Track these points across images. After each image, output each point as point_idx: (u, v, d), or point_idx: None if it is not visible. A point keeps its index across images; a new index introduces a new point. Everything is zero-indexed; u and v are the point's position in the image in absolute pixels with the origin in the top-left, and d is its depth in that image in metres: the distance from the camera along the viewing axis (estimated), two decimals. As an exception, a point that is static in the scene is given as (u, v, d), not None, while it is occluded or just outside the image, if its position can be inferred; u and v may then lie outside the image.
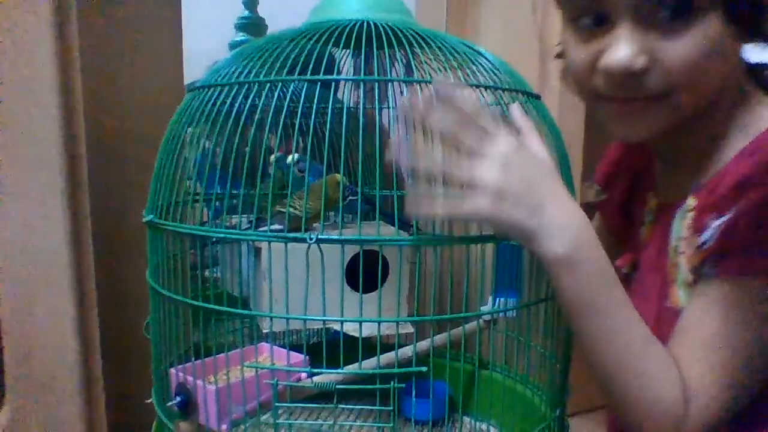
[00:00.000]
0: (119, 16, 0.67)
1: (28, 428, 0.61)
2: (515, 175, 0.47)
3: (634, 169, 0.73)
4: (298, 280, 0.55)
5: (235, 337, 0.71)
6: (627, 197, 0.74)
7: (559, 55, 0.63)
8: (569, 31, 0.57)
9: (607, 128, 0.58)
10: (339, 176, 0.65)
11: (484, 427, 0.81)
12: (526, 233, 0.48)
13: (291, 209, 0.59)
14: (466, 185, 0.47)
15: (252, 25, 1.16)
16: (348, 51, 0.70)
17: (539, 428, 0.66)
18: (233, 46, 1.16)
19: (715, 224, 0.51)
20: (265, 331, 0.68)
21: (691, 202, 0.57)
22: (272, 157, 0.67)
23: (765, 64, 0.61)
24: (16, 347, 0.59)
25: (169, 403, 0.54)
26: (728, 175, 0.52)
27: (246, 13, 1.15)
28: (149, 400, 0.70)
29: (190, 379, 0.53)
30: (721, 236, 0.50)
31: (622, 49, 0.51)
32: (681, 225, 0.59)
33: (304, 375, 0.56)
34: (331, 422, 0.71)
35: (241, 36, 1.16)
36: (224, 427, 0.51)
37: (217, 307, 0.55)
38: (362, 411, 0.80)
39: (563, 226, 0.48)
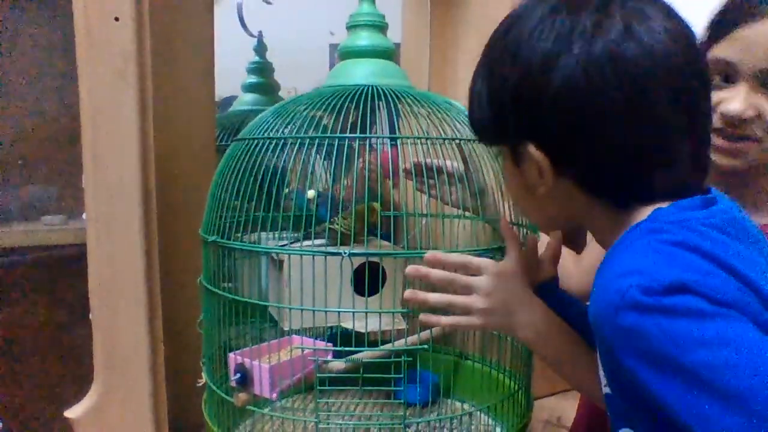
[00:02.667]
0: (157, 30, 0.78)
1: (112, 405, 0.77)
2: (495, 299, 0.66)
3: None
4: (317, 285, 0.74)
5: (263, 334, 0.87)
6: None
7: None
8: None
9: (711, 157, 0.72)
10: (376, 204, 0.83)
11: (465, 406, 0.96)
12: (506, 330, 0.69)
13: (336, 226, 0.77)
14: (463, 312, 0.66)
15: (261, 69, 1.34)
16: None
17: (505, 397, 0.85)
18: (246, 88, 1.34)
19: None
20: (285, 328, 0.85)
21: None
22: (310, 193, 0.84)
23: None
24: (104, 340, 0.76)
25: (232, 379, 0.72)
26: None
27: (256, 58, 1.33)
28: (200, 382, 0.87)
29: (247, 360, 0.71)
30: None
31: (738, 101, 0.70)
32: None
33: (330, 356, 0.74)
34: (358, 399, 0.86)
35: (252, 78, 1.34)
36: (274, 395, 0.69)
37: (260, 302, 0.73)
38: (365, 394, 0.97)
39: (529, 321, 0.67)
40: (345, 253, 0.69)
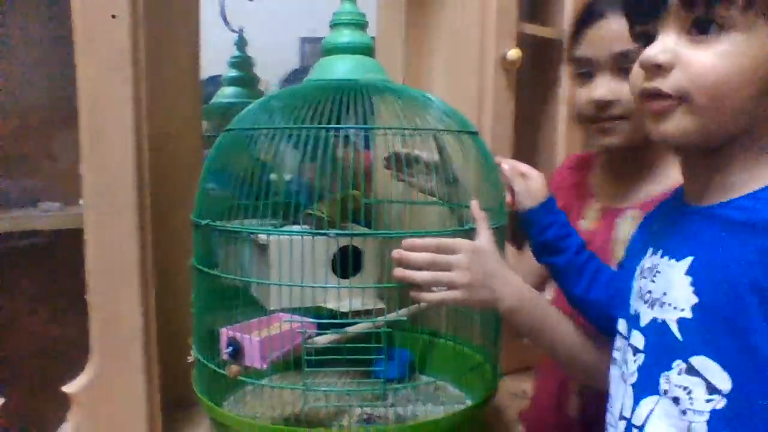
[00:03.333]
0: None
1: (107, 381, 0.81)
2: (475, 273, 0.72)
3: (572, 185, 1.00)
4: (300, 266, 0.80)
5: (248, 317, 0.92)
6: (570, 202, 0.99)
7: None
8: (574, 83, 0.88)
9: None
10: (358, 193, 0.89)
11: (436, 381, 1.03)
12: (486, 302, 0.75)
13: (320, 213, 0.83)
14: (448, 287, 0.72)
15: (242, 64, 1.38)
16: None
17: (471, 368, 0.92)
18: (227, 81, 1.38)
19: None
20: (270, 308, 0.91)
21: (636, 212, 0.84)
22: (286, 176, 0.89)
23: None
24: (100, 318, 0.80)
25: (224, 352, 0.77)
26: None
27: (237, 52, 1.37)
28: (189, 359, 0.92)
29: (239, 334, 0.76)
30: None
31: (599, 88, 0.82)
32: (628, 226, 0.84)
33: (315, 331, 0.80)
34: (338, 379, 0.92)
35: (233, 72, 1.38)
36: (265, 365, 0.75)
37: (251, 280, 0.79)
38: (344, 373, 1.03)
39: (507, 292, 0.74)
40: (331, 233, 0.75)
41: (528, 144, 1.31)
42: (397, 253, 0.72)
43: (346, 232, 0.81)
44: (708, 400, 0.52)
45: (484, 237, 0.77)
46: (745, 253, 0.52)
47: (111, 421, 0.81)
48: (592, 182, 0.97)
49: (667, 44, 0.54)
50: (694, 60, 0.53)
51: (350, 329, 0.87)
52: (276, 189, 0.98)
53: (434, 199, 0.96)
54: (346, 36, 0.91)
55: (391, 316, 0.90)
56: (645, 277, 0.62)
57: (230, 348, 0.75)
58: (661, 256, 0.60)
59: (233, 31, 1.34)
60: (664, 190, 0.79)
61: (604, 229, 0.89)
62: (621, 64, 0.81)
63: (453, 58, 1.21)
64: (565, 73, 0.92)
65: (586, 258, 0.78)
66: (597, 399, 0.77)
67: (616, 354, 0.67)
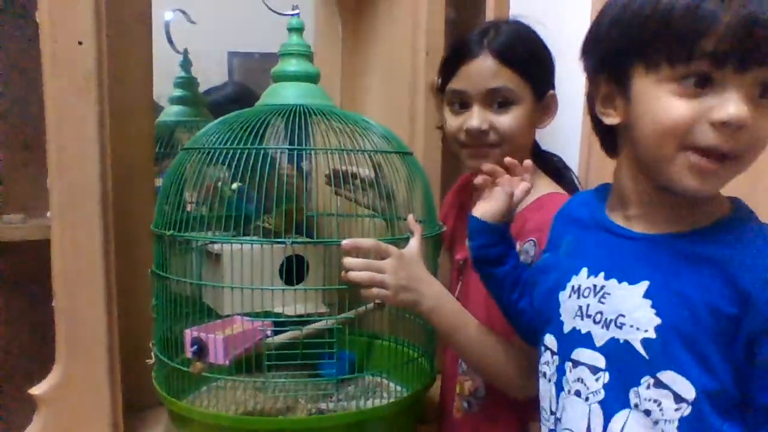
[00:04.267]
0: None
1: (73, 383, 0.84)
2: (400, 276, 0.84)
3: (460, 205, 1.12)
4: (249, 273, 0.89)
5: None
6: (455, 223, 1.11)
7: (440, 127, 1.04)
8: (448, 111, 0.97)
9: (465, 163, 0.97)
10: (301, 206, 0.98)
11: (378, 379, 1.12)
12: (408, 303, 0.86)
13: (267, 225, 0.92)
14: (380, 287, 0.83)
15: (187, 84, 1.45)
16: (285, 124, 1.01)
17: (406, 362, 1.02)
18: (173, 100, 1.43)
19: (532, 250, 0.86)
20: (224, 313, 0.98)
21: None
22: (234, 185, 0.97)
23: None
24: (66, 323, 0.84)
25: (189, 350, 0.84)
26: (530, 218, 0.89)
27: (182, 73, 1.43)
28: (150, 362, 0.98)
29: (203, 333, 0.84)
30: (537, 257, 0.84)
31: (475, 119, 0.91)
32: None
33: (269, 332, 0.89)
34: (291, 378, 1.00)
35: (178, 92, 1.44)
36: (227, 361, 0.83)
37: (213, 284, 0.87)
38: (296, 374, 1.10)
39: (427, 294, 0.86)
40: (288, 241, 0.85)
41: (456, 163, 1.44)
42: (344, 259, 0.83)
43: (299, 240, 0.90)
44: (676, 409, 0.58)
45: (413, 245, 0.89)
46: (702, 281, 0.58)
47: (76, 421, 0.86)
48: (474, 203, 1.09)
49: (743, 106, 0.54)
50: (760, 124, 0.55)
51: (305, 328, 0.96)
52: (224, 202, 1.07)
53: (370, 212, 1.07)
54: (293, 65, 1.01)
55: (341, 316, 1.00)
56: (586, 297, 0.65)
57: (195, 347, 0.82)
58: (606, 279, 0.64)
59: (178, 52, 1.40)
60: (527, 206, 0.91)
61: None
62: (492, 98, 0.92)
63: (387, 84, 1.33)
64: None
65: (521, 271, 0.82)
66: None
67: (544, 368, 0.71)
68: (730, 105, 0.53)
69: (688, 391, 0.57)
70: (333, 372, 1.02)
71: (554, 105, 0.97)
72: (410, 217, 0.95)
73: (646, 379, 0.59)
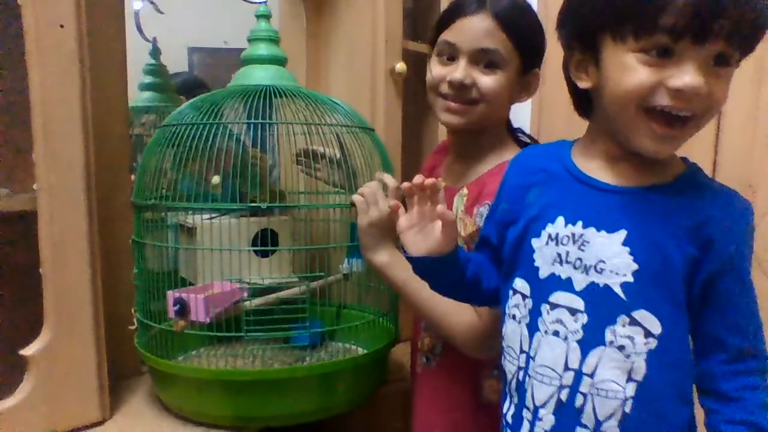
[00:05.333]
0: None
1: (61, 344, 0.89)
2: (378, 224, 0.95)
3: (430, 167, 1.17)
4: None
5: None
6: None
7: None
8: (435, 61, 0.99)
9: (438, 116, 1.00)
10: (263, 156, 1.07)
11: (347, 345, 1.20)
12: (368, 247, 0.97)
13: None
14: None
15: (156, 71, 1.50)
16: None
17: (367, 321, 1.11)
18: (142, 86, 1.49)
19: (482, 212, 0.92)
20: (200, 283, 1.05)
21: (465, 190, 1.00)
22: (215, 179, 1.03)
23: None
24: (53, 288, 0.88)
25: (171, 310, 0.91)
26: (489, 183, 0.94)
27: (152, 61, 1.49)
28: (132, 327, 1.04)
29: (185, 294, 0.91)
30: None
31: (460, 72, 0.93)
32: (460, 203, 0.98)
33: (246, 295, 0.97)
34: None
35: (148, 79, 1.49)
36: (208, 319, 0.90)
37: (195, 247, 0.95)
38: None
39: (386, 251, 0.96)
40: (263, 205, 0.93)
41: (414, 142, 1.54)
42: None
43: (278, 204, 1.01)
44: (645, 343, 0.66)
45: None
46: (673, 229, 0.65)
47: (65, 381, 0.92)
48: (445, 164, 1.12)
49: (698, 77, 0.61)
50: (714, 90, 0.62)
51: (279, 294, 1.04)
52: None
53: (336, 189, 1.15)
54: (262, 49, 1.09)
55: (317, 284, 1.08)
56: (564, 244, 0.70)
57: (177, 306, 0.90)
58: (585, 227, 0.69)
59: (147, 40, 1.46)
60: (489, 170, 0.97)
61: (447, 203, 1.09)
62: (480, 57, 0.94)
63: (349, 70, 1.42)
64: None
65: (478, 262, 0.82)
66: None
67: (513, 311, 0.75)
68: (686, 75, 0.60)
69: (656, 327, 0.66)
70: (306, 339, 1.11)
71: (535, 83, 1.00)
72: (388, 179, 1.02)
73: (622, 319, 0.67)
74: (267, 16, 1.09)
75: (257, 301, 1.00)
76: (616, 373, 0.67)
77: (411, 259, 0.76)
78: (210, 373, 0.96)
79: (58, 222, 0.89)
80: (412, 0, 1.52)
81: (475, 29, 0.94)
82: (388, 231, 0.96)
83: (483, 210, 0.93)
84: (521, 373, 0.75)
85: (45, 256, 0.89)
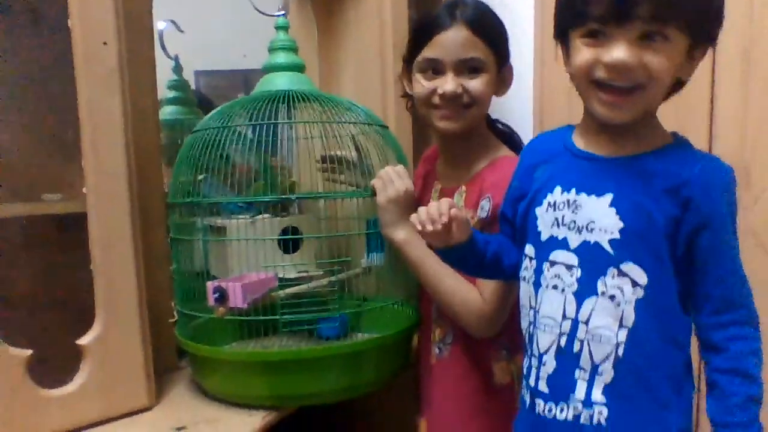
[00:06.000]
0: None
1: (112, 334, 0.97)
2: (398, 201, 1.04)
3: (425, 176, 1.26)
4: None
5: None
6: (421, 190, 1.23)
7: (404, 95, 1.18)
8: (420, 77, 1.08)
9: (435, 125, 1.08)
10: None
11: (371, 335, 1.20)
12: (387, 223, 1.05)
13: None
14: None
15: (179, 86, 1.59)
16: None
17: (388, 303, 1.18)
18: (167, 101, 1.57)
19: (487, 205, 1.00)
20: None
21: (464, 188, 1.10)
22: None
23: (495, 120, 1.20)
24: (103, 283, 0.96)
25: (211, 297, 0.99)
26: (487, 178, 1.04)
27: (175, 76, 1.58)
28: (173, 320, 1.12)
29: (223, 283, 0.99)
30: (490, 212, 1.00)
31: (450, 84, 1.02)
32: (459, 200, 1.09)
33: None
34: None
35: (172, 94, 1.59)
36: (246, 305, 0.98)
37: (225, 238, 1.03)
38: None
39: (405, 228, 1.02)
40: (293, 197, 1.01)
41: (423, 138, 1.61)
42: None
43: (303, 194, 1.12)
44: (633, 292, 0.75)
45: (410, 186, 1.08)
46: (654, 191, 0.74)
47: (116, 369, 1.00)
48: (438, 169, 1.21)
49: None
50: (648, 60, 0.72)
51: (309, 284, 1.11)
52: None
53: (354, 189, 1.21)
54: (281, 57, 1.17)
55: (341, 276, 1.14)
56: (561, 210, 0.80)
57: (217, 294, 0.98)
58: (578, 193, 0.79)
59: (170, 58, 1.55)
60: (484, 167, 1.07)
61: None
62: (464, 66, 1.03)
63: (359, 76, 1.51)
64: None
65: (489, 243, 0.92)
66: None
67: (524, 273, 0.86)
68: (614, 51, 0.72)
69: (642, 278, 0.75)
70: (334, 330, 1.18)
71: (510, 76, 1.11)
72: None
73: (611, 270, 0.76)
74: (285, 27, 1.18)
75: (290, 290, 1.07)
76: (608, 321, 0.76)
77: (436, 252, 0.88)
78: (247, 355, 1.04)
79: (105, 223, 0.98)
80: (415, 10, 1.61)
81: (454, 42, 1.02)
82: (405, 209, 1.04)
83: (484, 203, 1.02)
84: (531, 327, 0.84)
85: (95, 255, 0.97)
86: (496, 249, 0.91)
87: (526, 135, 1.27)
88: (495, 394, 1.08)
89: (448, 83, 1.03)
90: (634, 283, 0.75)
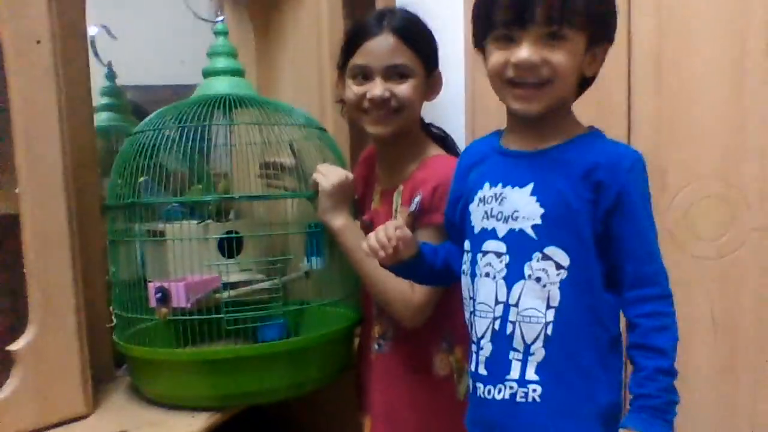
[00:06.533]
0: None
1: (46, 339, 0.94)
2: (340, 189, 1.07)
3: (365, 177, 1.28)
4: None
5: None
6: (363, 190, 1.26)
7: (339, 101, 1.20)
8: (351, 82, 1.11)
9: (366, 129, 1.12)
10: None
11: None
12: (325, 211, 1.08)
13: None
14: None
15: (113, 92, 1.57)
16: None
17: (330, 301, 1.20)
18: (100, 108, 1.54)
19: (416, 201, 1.03)
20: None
21: (401, 187, 1.13)
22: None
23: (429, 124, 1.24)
24: (38, 286, 0.93)
25: (153, 298, 0.97)
26: (418, 176, 1.08)
27: (108, 83, 1.55)
28: (110, 325, 1.10)
29: (166, 282, 0.98)
30: (419, 207, 1.03)
31: (378, 89, 1.06)
32: (397, 200, 1.12)
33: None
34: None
35: (105, 100, 1.55)
36: (189, 305, 0.97)
37: (165, 238, 1.02)
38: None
39: (342, 216, 1.08)
40: (236, 195, 1.02)
41: (359, 141, 1.64)
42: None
43: (248, 195, 1.12)
44: (557, 274, 0.80)
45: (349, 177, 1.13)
46: (570, 178, 0.80)
47: (51, 375, 0.97)
48: (377, 172, 1.24)
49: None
50: (554, 58, 0.80)
51: (251, 287, 1.12)
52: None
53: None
54: (221, 62, 1.19)
55: (266, 284, 1.15)
56: (489, 203, 0.86)
57: (159, 294, 0.97)
58: (503, 187, 0.85)
59: (103, 64, 1.52)
60: (417, 167, 1.11)
61: (386, 206, 1.17)
62: (391, 72, 1.07)
63: (297, 83, 1.54)
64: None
65: (445, 252, 0.98)
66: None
67: (464, 266, 0.91)
68: (519, 52, 0.80)
69: (565, 260, 0.80)
70: (275, 332, 1.18)
71: (440, 81, 1.16)
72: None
73: (536, 255, 0.81)
74: (225, 33, 1.19)
75: (233, 293, 1.08)
76: (536, 302, 0.81)
77: (388, 268, 0.93)
78: (188, 355, 1.03)
79: (40, 224, 0.96)
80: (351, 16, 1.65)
81: (382, 48, 1.07)
82: (346, 196, 1.10)
83: (417, 200, 1.06)
84: (471, 316, 0.88)
85: (28, 257, 0.95)
86: (444, 256, 0.97)
87: (459, 138, 1.34)
88: (435, 386, 1.11)
89: (376, 88, 1.08)
90: (558, 266, 0.80)
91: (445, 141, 1.24)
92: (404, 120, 1.11)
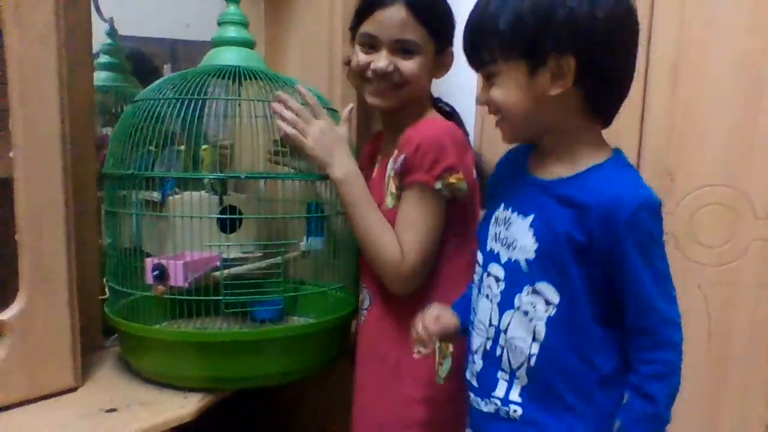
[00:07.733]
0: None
1: (37, 309, 0.91)
2: (325, 139, 1.02)
3: (371, 155, 1.25)
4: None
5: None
6: (369, 163, 1.22)
7: (348, 63, 1.16)
8: (358, 49, 1.08)
9: (366, 99, 1.09)
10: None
11: (307, 319, 1.23)
12: (323, 163, 1.03)
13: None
14: (302, 133, 1.02)
15: (114, 51, 1.50)
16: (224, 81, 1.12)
17: (326, 289, 1.18)
18: (100, 66, 1.48)
19: (399, 159, 1.01)
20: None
21: (396, 152, 1.07)
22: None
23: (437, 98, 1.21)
24: (29, 255, 0.89)
25: (150, 275, 0.94)
26: (406, 136, 1.01)
27: (108, 40, 1.49)
28: (104, 297, 1.07)
29: (164, 260, 0.94)
30: (401, 165, 1.00)
31: (382, 61, 1.04)
32: (391, 167, 1.06)
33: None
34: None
35: (105, 59, 1.49)
36: (187, 284, 0.94)
37: (166, 214, 0.98)
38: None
39: (340, 166, 1.03)
40: (242, 175, 0.98)
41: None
42: (276, 105, 1.03)
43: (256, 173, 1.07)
44: (545, 310, 0.78)
45: (342, 128, 1.08)
46: (563, 216, 0.77)
47: (41, 345, 0.94)
48: (381, 143, 1.22)
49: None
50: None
51: (250, 266, 1.09)
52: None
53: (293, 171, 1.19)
54: (231, 32, 1.13)
55: (263, 263, 1.11)
56: (500, 225, 0.85)
57: (156, 272, 0.94)
58: (512, 212, 0.83)
59: (104, 20, 1.46)
60: (408, 137, 1.03)
61: (382, 171, 1.14)
62: (398, 47, 1.04)
63: (306, 57, 1.48)
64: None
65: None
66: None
67: (475, 276, 0.91)
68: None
69: (554, 297, 0.78)
70: (270, 313, 1.15)
71: (450, 59, 1.10)
72: (345, 110, 1.13)
73: (527, 288, 0.80)
74: (237, 1, 1.14)
75: (233, 270, 1.05)
76: (522, 334, 0.81)
77: None
78: (182, 335, 1.00)
79: (34, 190, 0.91)
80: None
81: (392, 21, 1.03)
82: (334, 142, 1.05)
83: (400, 158, 1.02)
84: (471, 326, 0.90)
85: (21, 222, 0.91)
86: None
87: (468, 119, 1.29)
88: (414, 363, 1.06)
89: (380, 60, 1.05)
90: (547, 302, 0.79)
91: (451, 117, 1.20)
92: (405, 95, 1.07)
